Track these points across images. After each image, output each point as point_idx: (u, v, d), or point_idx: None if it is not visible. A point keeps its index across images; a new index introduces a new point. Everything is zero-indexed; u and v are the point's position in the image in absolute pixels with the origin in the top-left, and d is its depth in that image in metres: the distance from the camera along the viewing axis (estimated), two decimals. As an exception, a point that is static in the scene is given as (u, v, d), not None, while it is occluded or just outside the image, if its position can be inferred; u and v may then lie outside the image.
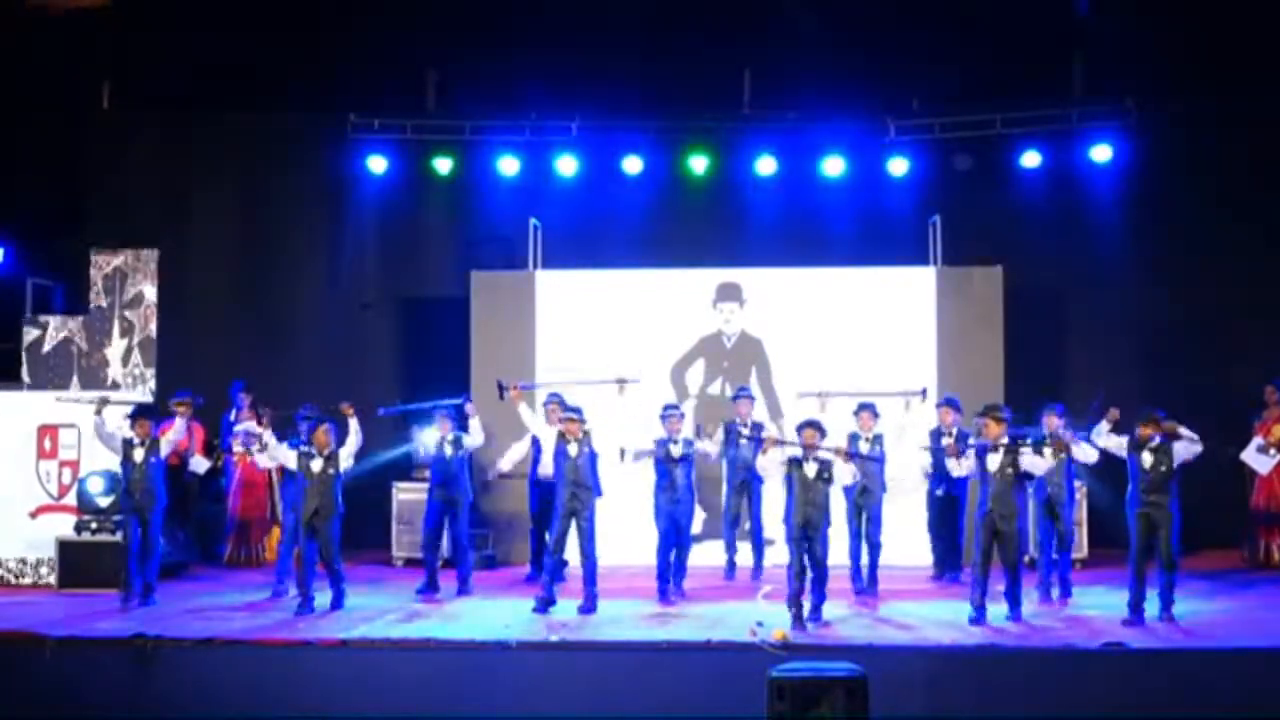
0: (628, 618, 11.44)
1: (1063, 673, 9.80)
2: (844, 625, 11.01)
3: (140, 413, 12.42)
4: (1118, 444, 11.41)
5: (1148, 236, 15.48)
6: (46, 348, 13.74)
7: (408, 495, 14.55)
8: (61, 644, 10.31)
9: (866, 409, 12.82)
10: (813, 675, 8.05)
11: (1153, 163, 15.23)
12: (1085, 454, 11.94)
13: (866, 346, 14.67)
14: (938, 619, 11.20)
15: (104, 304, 13.79)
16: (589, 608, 11.61)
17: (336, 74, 15.34)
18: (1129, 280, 15.50)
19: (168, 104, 16.01)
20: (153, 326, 13.81)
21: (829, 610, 11.23)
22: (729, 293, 15.02)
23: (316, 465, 11.86)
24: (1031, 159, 15.28)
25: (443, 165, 15.75)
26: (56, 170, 16.02)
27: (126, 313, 13.76)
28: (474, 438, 12.87)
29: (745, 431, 12.80)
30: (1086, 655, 9.92)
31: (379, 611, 11.73)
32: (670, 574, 12.40)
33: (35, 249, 15.22)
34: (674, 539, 12.45)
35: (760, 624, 10.45)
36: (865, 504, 12.66)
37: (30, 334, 13.78)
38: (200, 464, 14.32)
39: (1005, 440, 11.15)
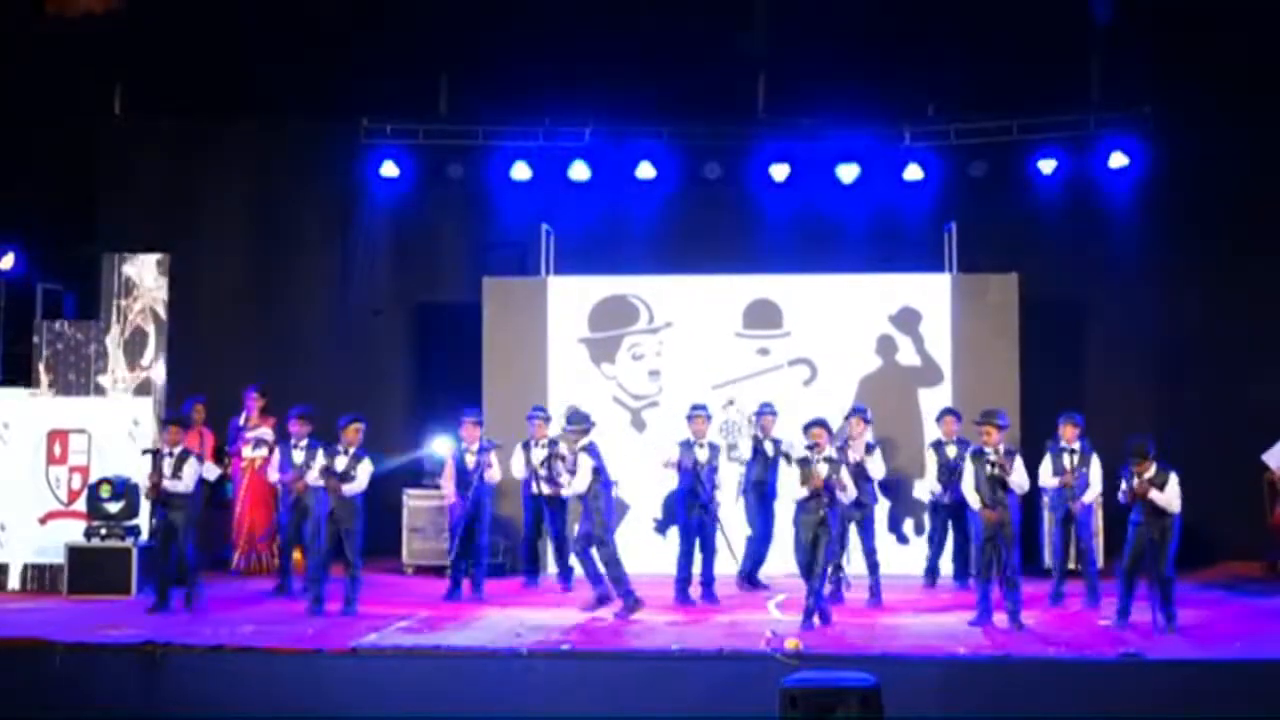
0: (641, 625, 11.40)
1: (1078, 682, 9.68)
2: (856, 635, 10.91)
3: (172, 420, 12.54)
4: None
5: (1166, 244, 15.41)
6: (58, 352, 13.65)
7: (419, 502, 14.46)
8: (71, 650, 10.22)
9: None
10: (826, 685, 7.90)
11: (1171, 170, 15.12)
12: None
13: (881, 354, 14.63)
14: (952, 628, 11.16)
15: (115, 309, 13.70)
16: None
17: (349, 80, 15.32)
18: (1148, 289, 15.38)
19: (179, 110, 16.05)
20: (164, 332, 13.75)
21: (841, 620, 11.24)
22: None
23: (340, 464, 11.75)
24: (1048, 166, 15.19)
25: (455, 171, 15.77)
26: (68, 175, 16.03)
27: (137, 318, 13.71)
28: (494, 472, 13.04)
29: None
30: (1103, 665, 9.82)
31: (389, 618, 11.64)
32: (688, 577, 12.39)
33: (46, 253, 15.24)
34: (691, 546, 12.42)
35: (774, 633, 10.37)
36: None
37: (41, 338, 13.70)
38: (210, 470, 14.13)
39: (1003, 448, 11.18)
